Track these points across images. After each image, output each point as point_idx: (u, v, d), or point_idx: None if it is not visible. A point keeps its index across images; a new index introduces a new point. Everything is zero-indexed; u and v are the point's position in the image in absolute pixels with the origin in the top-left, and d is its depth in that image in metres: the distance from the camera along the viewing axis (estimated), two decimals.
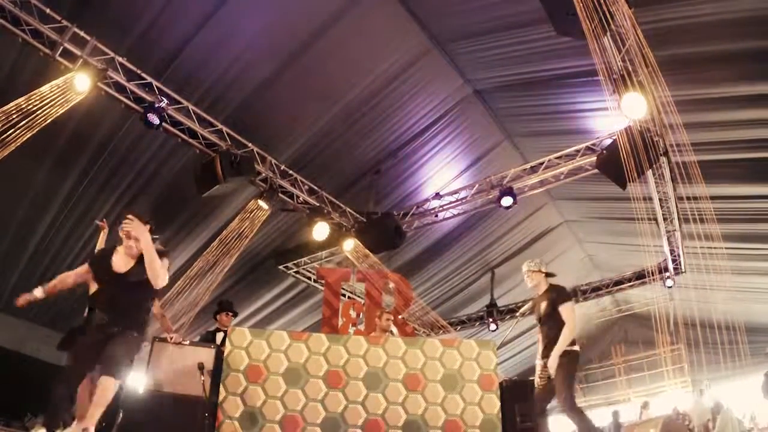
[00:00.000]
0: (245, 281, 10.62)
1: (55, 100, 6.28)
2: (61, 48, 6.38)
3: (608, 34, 5.87)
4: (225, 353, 5.06)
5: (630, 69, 6.22)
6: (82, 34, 6.41)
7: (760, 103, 6.92)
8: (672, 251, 10.16)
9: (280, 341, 5.04)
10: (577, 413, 4.60)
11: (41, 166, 7.96)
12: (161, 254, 4.08)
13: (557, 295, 4.99)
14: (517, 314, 5.65)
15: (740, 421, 9.69)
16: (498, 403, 4.70)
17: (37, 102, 6.19)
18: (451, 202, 9.44)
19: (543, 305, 4.99)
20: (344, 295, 9.73)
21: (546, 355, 4.82)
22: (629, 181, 6.99)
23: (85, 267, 4.21)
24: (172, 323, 5.62)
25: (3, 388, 9.09)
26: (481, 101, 8.79)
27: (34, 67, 6.69)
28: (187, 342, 5.56)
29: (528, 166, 8.85)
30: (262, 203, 8.44)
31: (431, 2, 7.18)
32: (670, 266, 10.52)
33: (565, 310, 4.83)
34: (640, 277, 11.67)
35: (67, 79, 6.38)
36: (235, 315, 6.94)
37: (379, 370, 4.93)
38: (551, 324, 4.86)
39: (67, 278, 4.22)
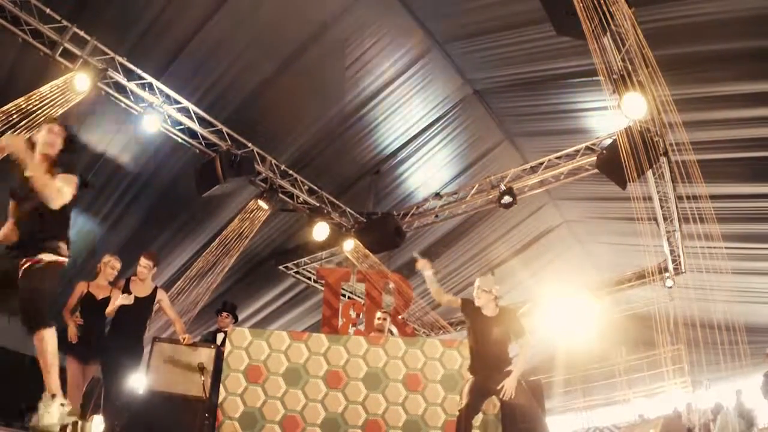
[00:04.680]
0: (245, 281, 10.62)
1: (55, 100, 6.28)
2: (61, 48, 6.38)
3: (608, 34, 5.87)
4: (225, 353, 5.07)
5: (630, 69, 6.21)
6: (82, 34, 6.41)
7: (760, 102, 6.92)
8: (672, 251, 10.15)
9: (280, 341, 5.05)
10: None
11: None
12: None
13: (518, 328, 4.68)
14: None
15: (740, 420, 9.69)
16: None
17: (37, 102, 6.19)
18: (451, 202, 9.44)
19: (497, 330, 4.60)
20: (344, 295, 9.74)
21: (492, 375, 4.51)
22: (629, 181, 6.98)
23: None
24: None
25: (3, 388, 9.08)
26: (481, 101, 8.79)
27: (34, 67, 6.69)
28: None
29: (528, 166, 8.85)
30: (262, 203, 8.44)
31: (431, 2, 7.18)
32: (670, 266, 10.51)
33: (526, 346, 4.68)
34: (640, 277, 11.65)
35: (67, 79, 6.37)
36: (236, 319, 6.92)
37: (379, 371, 4.94)
38: (502, 348, 4.58)
39: None
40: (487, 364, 4.46)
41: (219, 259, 8.47)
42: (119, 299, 5.07)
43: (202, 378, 4.82)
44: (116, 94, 6.92)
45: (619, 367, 13.44)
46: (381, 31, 7.43)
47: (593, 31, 5.51)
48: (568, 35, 5.86)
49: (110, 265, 5.46)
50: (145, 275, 5.45)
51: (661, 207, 8.82)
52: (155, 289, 5.50)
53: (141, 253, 5.58)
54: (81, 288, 5.39)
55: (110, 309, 5.09)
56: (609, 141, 7.73)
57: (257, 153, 8.17)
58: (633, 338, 13.21)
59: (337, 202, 9.40)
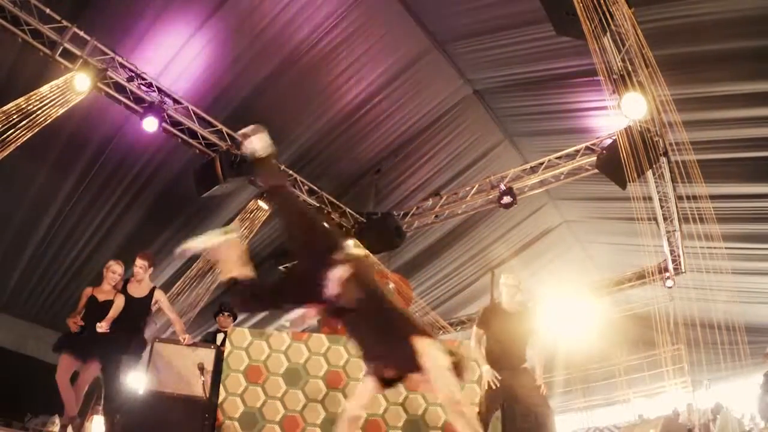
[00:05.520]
0: None
1: (55, 100, 6.28)
2: (61, 48, 6.38)
3: (608, 34, 5.87)
4: (225, 354, 5.06)
5: (630, 69, 6.22)
6: (82, 34, 6.41)
7: (760, 102, 6.92)
8: (672, 251, 10.15)
9: (280, 341, 5.04)
10: None
11: (41, 166, 7.96)
12: None
13: (534, 327, 4.92)
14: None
15: (740, 421, 9.68)
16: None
17: (37, 102, 6.20)
18: (451, 202, 9.44)
19: (519, 328, 4.82)
20: None
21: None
22: (629, 181, 6.99)
23: None
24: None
25: (3, 388, 9.08)
26: (481, 101, 8.79)
27: (34, 67, 6.69)
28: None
29: (528, 166, 8.85)
30: (262, 203, 8.44)
31: (431, 2, 7.18)
32: (670, 266, 10.51)
33: (539, 345, 4.92)
34: (640, 277, 11.64)
35: (67, 79, 6.38)
36: (235, 318, 6.94)
37: None
38: (522, 347, 4.78)
39: None
40: (511, 363, 4.62)
41: None
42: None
43: (202, 378, 4.82)
44: (116, 94, 6.92)
45: (619, 367, 13.43)
46: (381, 31, 7.43)
47: (593, 31, 5.51)
48: (568, 35, 5.86)
49: (111, 269, 5.52)
50: (141, 276, 5.50)
51: (661, 207, 8.82)
52: (153, 290, 5.54)
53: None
54: (87, 293, 5.49)
55: (101, 323, 5.11)
56: (609, 141, 7.73)
57: None
58: (633, 338, 13.20)
59: (337, 202, 9.39)
